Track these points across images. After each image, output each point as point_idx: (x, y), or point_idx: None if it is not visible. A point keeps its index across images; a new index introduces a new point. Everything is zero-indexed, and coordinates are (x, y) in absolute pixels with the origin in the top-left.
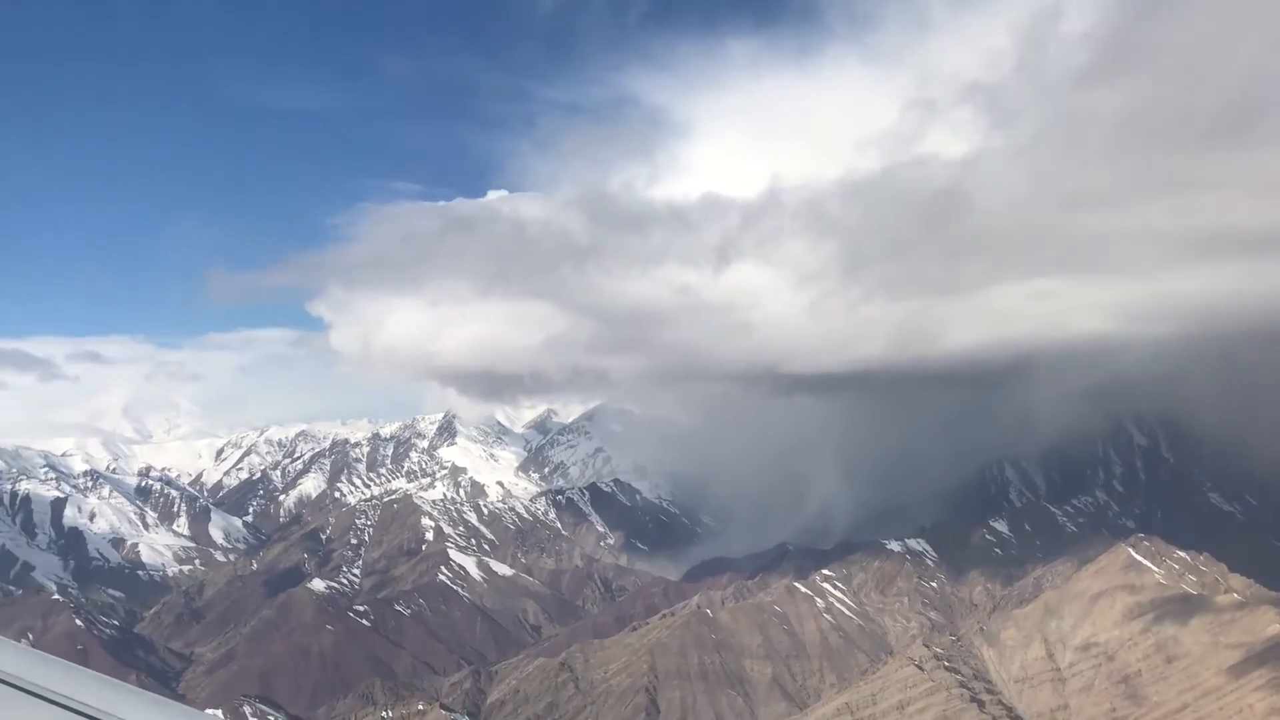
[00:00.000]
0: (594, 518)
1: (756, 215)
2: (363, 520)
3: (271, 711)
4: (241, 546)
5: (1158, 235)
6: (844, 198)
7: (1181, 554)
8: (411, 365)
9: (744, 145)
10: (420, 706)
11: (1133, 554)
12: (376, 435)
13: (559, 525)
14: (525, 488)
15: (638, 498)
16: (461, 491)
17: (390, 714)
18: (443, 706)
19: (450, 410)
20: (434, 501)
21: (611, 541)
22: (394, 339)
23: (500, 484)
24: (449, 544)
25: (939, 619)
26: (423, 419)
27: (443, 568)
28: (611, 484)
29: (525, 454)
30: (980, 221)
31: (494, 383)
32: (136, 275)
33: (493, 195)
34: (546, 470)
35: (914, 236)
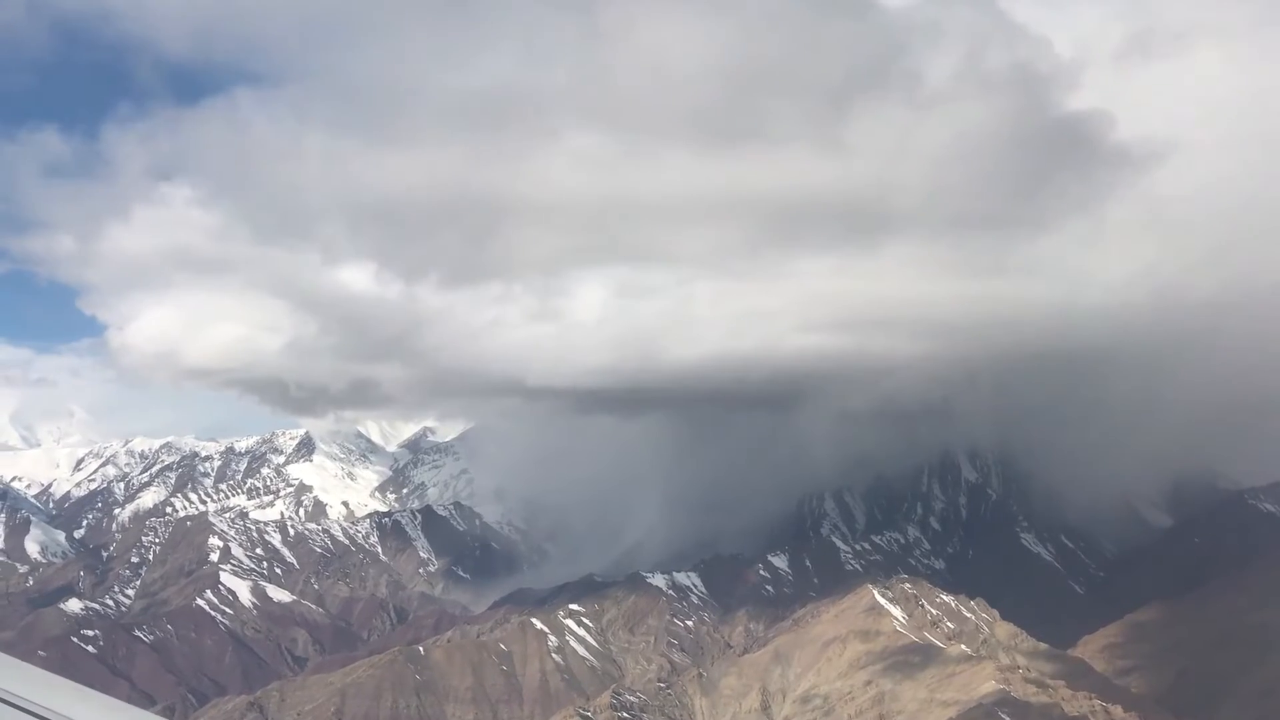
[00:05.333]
0: (420, 542)
1: None
2: (150, 538)
3: None
4: (58, 561)
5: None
6: None
7: (946, 598)
8: (179, 372)
9: None
10: None
11: (876, 597)
12: (230, 449)
13: (379, 550)
14: (375, 508)
15: (477, 523)
16: (301, 511)
17: None
18: None
19: (310, 427)
20: (232, 520)
21: (433, 568)
22: (154, 344)
23: (345, 504)
24: (227, 566)
25: (684, 661)
26: (283, 434)
27: (208, 591)
28: (450, 507)
29: (390, 473)
30: None
31: (284, 392)
32: None
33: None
34: (405, 491)
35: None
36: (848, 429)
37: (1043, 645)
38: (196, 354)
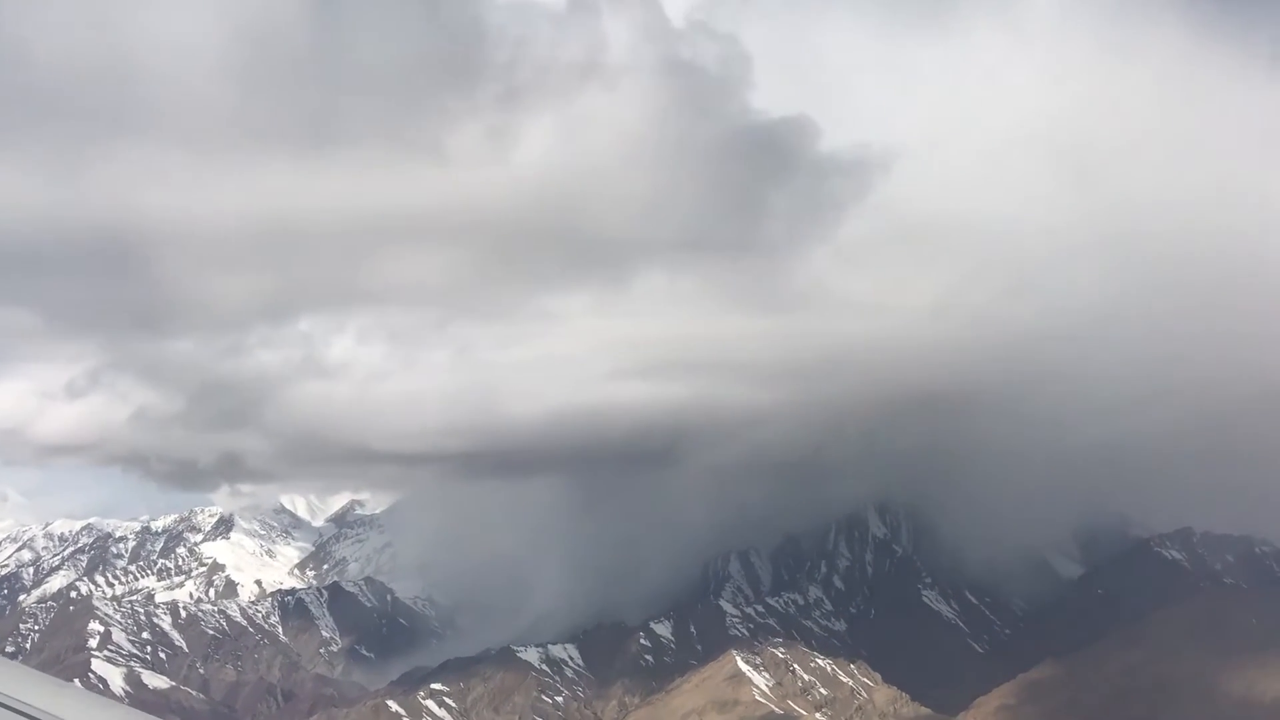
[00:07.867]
0: (324, 621)
1: None
2: (30, 624)
3: None
4: None
5: None
6: None
7: (821, 662)
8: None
9: None
10: None
11: (739, 664)
12: (146, 529)
13: (279, 630)
14: (292, 586)
15: (388, 598)
16: (212, 591)
17: None
18: None
19: (219, 503)
20: (120, 603)
21: (335, 648)
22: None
23: (259, 583)
24: (102, 653)
25: None
26: (201, 511)
27: (76, 680)
28: (360, 583)
29: (313, 549)
30: None
31: (148, 466)
32: None
33: None
34: (326, 567)
35: None
36: (741, 484)
37: (924, 710)
38: (45, 430)
